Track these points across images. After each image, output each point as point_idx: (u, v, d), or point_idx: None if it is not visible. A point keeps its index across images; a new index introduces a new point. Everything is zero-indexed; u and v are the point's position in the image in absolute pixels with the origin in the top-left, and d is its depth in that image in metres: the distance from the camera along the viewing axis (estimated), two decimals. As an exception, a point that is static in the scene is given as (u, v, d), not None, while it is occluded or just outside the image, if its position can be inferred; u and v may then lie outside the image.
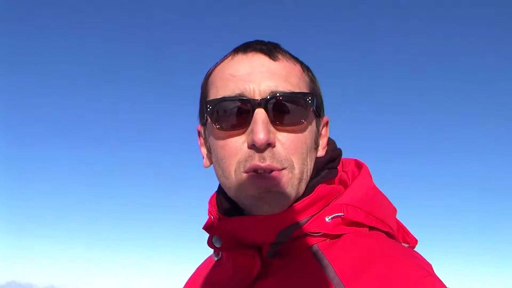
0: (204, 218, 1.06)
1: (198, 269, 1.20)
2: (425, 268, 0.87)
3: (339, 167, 1.06)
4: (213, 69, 1.01)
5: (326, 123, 1.06)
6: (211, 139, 0.99)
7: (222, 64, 1.00)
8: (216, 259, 1.04)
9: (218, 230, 0.96)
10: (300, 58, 1.04)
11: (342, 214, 0.92)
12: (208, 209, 1.04)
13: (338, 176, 1.04)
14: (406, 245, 1.06)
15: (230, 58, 0.99)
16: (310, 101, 0.94)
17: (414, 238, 1.10)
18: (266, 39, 1.02)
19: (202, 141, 1.06)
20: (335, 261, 0.89)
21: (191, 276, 1.20)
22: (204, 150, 1.05)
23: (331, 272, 0.87)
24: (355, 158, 1.09)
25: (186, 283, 1.19)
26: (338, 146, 1.08)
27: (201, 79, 1.06)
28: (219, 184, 1.02)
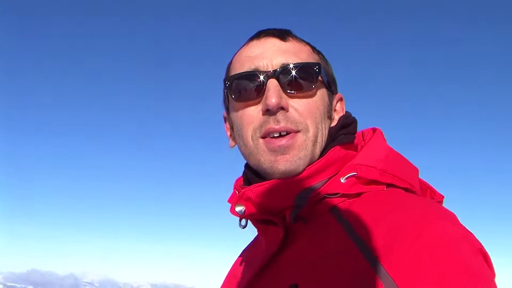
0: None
1: (242, 252, 1.23)
2: (441, 213, 0.87)
3: (359, 138, 1.09)
4: (232, 59, 1.12)
5: (341, 99, 1.13)
6: (232, 114, 1.08)
7: (239, 51, 1.11)
8: (241, 227, 1.08)
9: (239, 198, 1.01)
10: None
11: (355, 173, 0.95)
12: (233, 186, 1.10)
13: (356, 143, 1.07)
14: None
15: (245, 45, 1.10)
16: (317, 70, 1.02)
17: (441, 194, 1.10)
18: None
19: (227, 125, 1.15)
20: (353, 220, 0.91)
21: (236, 259, 1.23)
22: (229, 133, 1.14)
23: (350, 231, 0.89)
24: (372, 127, 1.12)
25: (232, 266, 1.22)
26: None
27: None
28: (246, 163, 1.08)
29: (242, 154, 1.06)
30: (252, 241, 1.22)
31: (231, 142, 1.12)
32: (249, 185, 1.02)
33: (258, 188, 0.98)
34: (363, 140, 1.10)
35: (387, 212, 0.88)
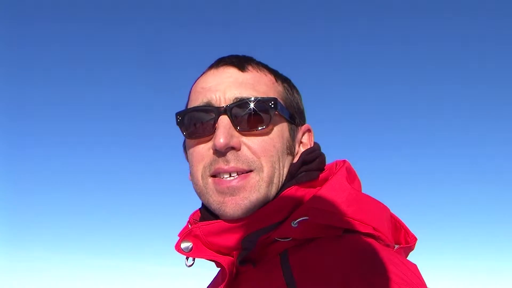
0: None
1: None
2: (394, 276, 0.78)
3: (332, 171, 1.00)
4: (191, 87, 1.07)
5: (308, 131, 1.06)
6: (187, 149, 1.03)
7: (196, 81, 1.05)
8: (187, 265, 1.02)
9: (187, 234, 0.96)
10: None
11: (307, 217, 0.88)
12: (188, 218, 1.05)
13: (326, 175, 0.99)
14: (397, 246, 0.99)
15: (204, 74, 1.05)
16: (272, 106, 0.95)
17: (414, 236, 1.03)
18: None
19: (186, 156, 1.09)
20: (297, 267, 0.85)
21: None
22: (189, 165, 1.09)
23: (290, 279, 0.83)
24: (344, 159, 1.04)
25: None
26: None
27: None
28: None
29: (195, 191, 1.01)
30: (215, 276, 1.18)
31: (190, 175, 1.06)
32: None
33: (206, 227, 0.94)
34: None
35: (336, 264, 0.82)
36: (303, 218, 0.88)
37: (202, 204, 1.03)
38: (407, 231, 1.03)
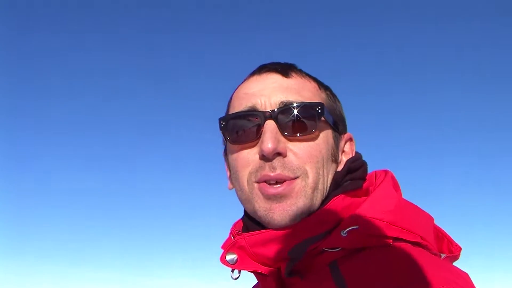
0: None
1: None
2: (449, 280, 0.79)
3: (371, 180, 1.01)
4: (232, 95, 1.06)
5: (350, 139, 1.05)
6: (229, 156, 1.02)
7: (238, 87, 1.05)
8: (233, 278, 1.00)
9: (232, 246, 0.94)
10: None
11: (357, 227, 0.86)
12: (230, 230, 1.03)
13: (367, 188, 0.99)
14: (443, 255, 0.98)
15: (246, 80, 1.04)
16: (320, 111, 0.94)
17: (458, 246, 1.01)
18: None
19: (226, 165, 1.08)
20: (350, 278, 0.83)
21: None
22: (228, 173, 1.07)
23: None
24: (385, 169, 1.03)
25: None
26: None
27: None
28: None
29: (239, 198, 0.99)
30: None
31: (229, 184, 1.05)
32: (246, 232, 0.95)
33: (252, 237, 0.91)
34: (376, 184, 1.01)
35: (389, 274, 0.80)
36: (353, 227, 0.87)
37: (245, 213, 1.01)
38: (450, 241, 1.02)
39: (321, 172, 0.93)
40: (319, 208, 0.92)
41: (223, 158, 1.10)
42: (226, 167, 1.08)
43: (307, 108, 0.94)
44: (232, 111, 1.01)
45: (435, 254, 0.94)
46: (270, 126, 0.91)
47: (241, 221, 1.03)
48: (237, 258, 0.93)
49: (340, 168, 0.99)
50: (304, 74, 1.03)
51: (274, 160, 0.90)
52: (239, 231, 1.00)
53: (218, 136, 1.04)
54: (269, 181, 0.91)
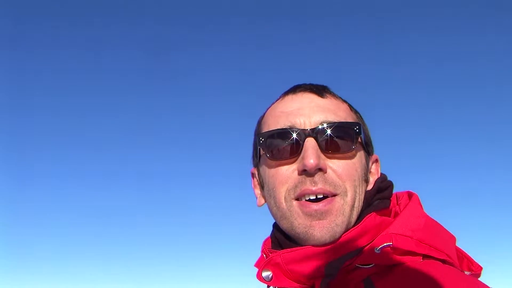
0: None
1: None
2: None
3: (394, 201, 1.05)
4: (264, 113, 1.09)
5: (376, 161, 1.09)
6: (264, 172, 1.03)
7: (273, 105, 1.08)
8: None
9: (267, 263, 0.95)
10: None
11: (391, 243, 0.89)
12: (261, 248, 1.04)
13: (391, 208, 1.03)
14: (468, 273, 1.02)
15: (280, 99, 1.07)
16: (358, 130, 0.98)
17: (479, 265, 1.05)
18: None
19: (255, 182, 1.10)
20: None
21: None
22: (257, 191, 1.09)
23: None
24: (408, 190, 1.08)
25: None
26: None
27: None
28: (274, 222, 1.03)
29: (273, 215, 1.01)
30: None
31: (260, 200, 1.07)
32: (279, 249, 0.97)
33: (288, 254, 0.93)
34: (398, 205, 1.05)
35: None
36: (387, 244, 0.90)
37: (276, 230, 1.02)
38: (470, 261, 1.06)
39: (357, 191, 0.96)
40: (354, 225, 0.94)
41: (250, 176, 1.12)
42: (254, 183, 1.10)
43: (345, 127, 0.97)
44: (267, 128, 1.03)
45: (462, 271, 0.97)
46: (311, 143, 0.94)
47: (269, 239, 1.04)
48: (272, 275, 0.94)
49: (369, 187, 1.03)
50: (336, 96, 1.07)
51: (315, 176, 0.92)
52: (269, 248, 1.01)
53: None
54: (308, 197, 0.93)
